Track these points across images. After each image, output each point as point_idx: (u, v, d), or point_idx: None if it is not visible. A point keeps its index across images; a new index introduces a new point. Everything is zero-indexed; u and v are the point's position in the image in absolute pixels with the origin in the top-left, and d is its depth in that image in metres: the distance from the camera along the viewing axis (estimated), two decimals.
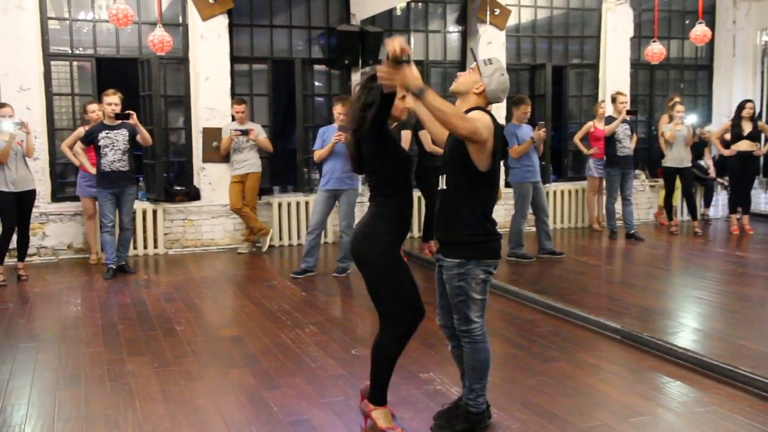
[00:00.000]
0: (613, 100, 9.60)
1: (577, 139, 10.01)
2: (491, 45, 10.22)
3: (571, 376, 4.60)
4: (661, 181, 10.47)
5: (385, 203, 3.65)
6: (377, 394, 3.66)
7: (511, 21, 10.44)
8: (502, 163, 9.27)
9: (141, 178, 9.07)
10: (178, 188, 9.27)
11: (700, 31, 9.41)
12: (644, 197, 11.28)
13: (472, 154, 3.43)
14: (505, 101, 9.65)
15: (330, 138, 7.35)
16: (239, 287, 7.35)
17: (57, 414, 4.12)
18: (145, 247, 9.02)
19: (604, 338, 5.39)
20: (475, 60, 3.63)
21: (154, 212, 9.01)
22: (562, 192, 10.74)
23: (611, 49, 11.03)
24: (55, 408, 4.21)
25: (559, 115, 11.14)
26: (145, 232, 9.00)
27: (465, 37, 10.52)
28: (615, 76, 10.99)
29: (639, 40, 11.24)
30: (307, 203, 9.49)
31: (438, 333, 5.47)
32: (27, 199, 7.40)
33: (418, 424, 3.85)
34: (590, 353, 5.09)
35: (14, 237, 7.45)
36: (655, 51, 9.76)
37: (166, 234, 9.13)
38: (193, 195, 9.24)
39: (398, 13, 10.24)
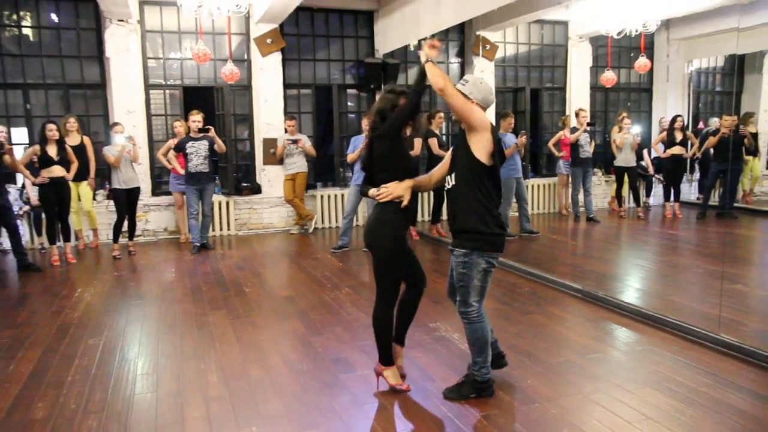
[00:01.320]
0: (576, 114, 9.62)
1: (551, 144, 10.01)
2: (483, 72, 10.22)
3: (543, 325, 4.71)
4: (613, 177, 10.45)
5: (392, 200, 3.37)
6: (384, 356, 3.52)
7: (499, 54, 10.44)
8: None
9: (217, 177, 9.18)
10: (245, 184, 9.37)
11: (642, 62, 9.43)
12: (600, 189, 11.22)
13: (473, 147, 3.25)
14: (494, 116, 9.91)
15: (359, 145, 7.41)
16: (291, 259, 7.47)
17: (160, 351, 4.29)
18: (221, 229, 9.15)
19: (569, 296, 5.48)
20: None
21: (227, 203, 9.13)
22: (538, 185, 10.75)
23: (575, 76, 11.03)
24: (159, 348, 4.38)
25: (536, 126, 11.15)
26: (220, 218, 9.12)
27: (463, 67, 10.54)
28: (578, 96, 10.99)
29: (596, 68, 11.20)
30: (342, 195, 9.57)
31: (443, 292, 5.63)
32: (134, 194, 7.55)
33: (427, 362, 3.97)
34: (558, 308, 5.18)
35: (125, 222, 7.65)
36: (609, 77, 9.76)
37: (236, 219, 9.26)
38: (256, 189, 9.36)
39: (411, 48, 10.27)
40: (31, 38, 8.63)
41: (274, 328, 4.75)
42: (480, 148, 3.27)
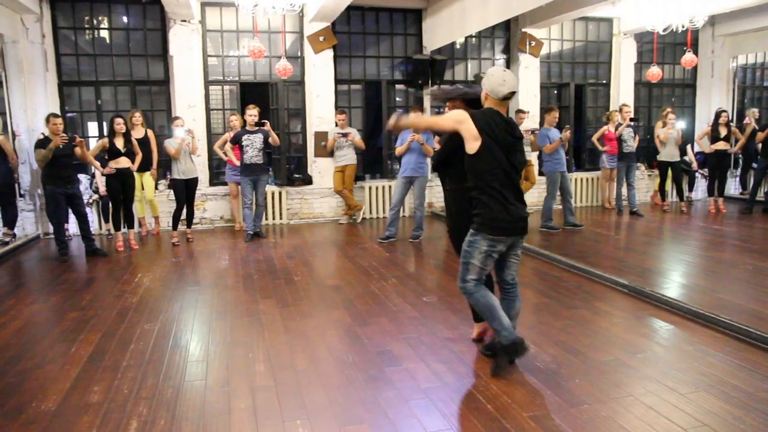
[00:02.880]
0: (620, 110, 9.18)
1: (594, 138, 9.58)
2: (527, 69, 9.87)
3: (590, 321, 4.38)
4: (656, 171, 9.98)
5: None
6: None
7: (543, 50, 10.03)
8: (536, 156, 9.20)
9: (271, 169, 9.07)
10: (297, 176, 9.24)
11: (689, 58, 8.97)
12: (643, 183, 10.72)
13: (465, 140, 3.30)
14: (538, 112, 9.51)
15: (407, 138, 7.20)
16: (340, 249, 7.28)
17: (210, 338, 4.16)
18: (273, 218, 9.06)
19: (614, 291, 5.12)
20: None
21: (280, 193, 9.03)
22: (581, 179, 10.36)
23: (619, 72, 10.53)
24: (210, 334, 4.24)
25: (580, 122, 10.70)
26: (273, 207, 9.03)
27: (509, 63, 10.14)
28: (622, 91, 10.50)
29: (641, 64, 10.67)
30: (389, 186, 9.36)
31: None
32: (192, 184, 7.50)
33: (472, 356, 3.71)
34: (604, 303, 4.83)
35: (184, 211, 7.60)
36: (654, 72, 9.23)
37: (288, 209, 9.15)
38: (308, 180, 9.21)
39: (458, 46, 9.96)
40: (104, 39, 8.67)
41: (321, 318, 4.55)
42: (467, 140, 3.30)
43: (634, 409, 3.00)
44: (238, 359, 3.75)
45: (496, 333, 3.40)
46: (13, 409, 3.12)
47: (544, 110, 8.09)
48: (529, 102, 9.85)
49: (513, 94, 3.32)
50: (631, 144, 9.02)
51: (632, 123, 9.01)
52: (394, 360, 3.67)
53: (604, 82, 10.71)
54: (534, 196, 9.85)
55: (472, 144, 3.26)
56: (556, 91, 10.50)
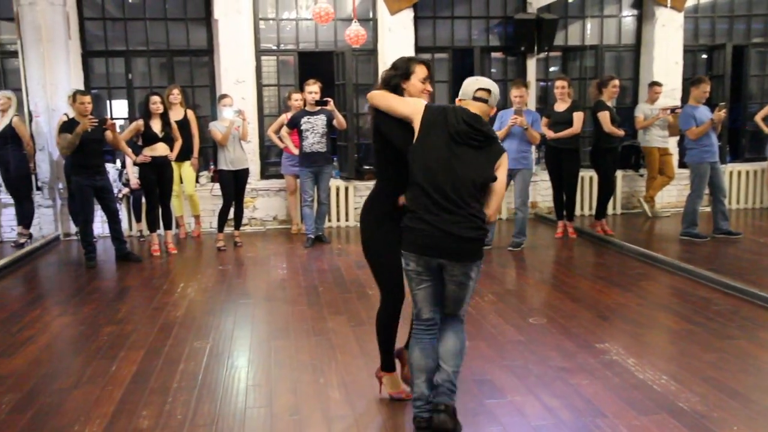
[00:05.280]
0: None
1: (758, 118, 9.31)
2: (665, 27, 9.73)
3: (752, 355, 4.39)
4: None
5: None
6: (384, 361, 3.78)
7: (690, 2, 9.87)
8: (675, 142, 9.07)
9: (336, 159, 9.32)
10: (367, 167, 9.42)
11: None
12: None
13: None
14: (680, 84, 9.39)
15: (507, 121, 7.29)
16: None
17: (273, 360, 4.45)
18: (338, 219, 9.32)
19: None
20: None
21: (346, 189, 9.27)
22: (739, 172, 10.13)
23: None
24: (271, 355, 4.54)
25: (739, 96, 10.47)
26: (338, 206, 9.28)
27: (640, 20, 10.05)
28: None
29: None
30: None
31: (612, 306, 5.45)
32: (242, 176, 7.86)
33: (594, 392, 3.83)
34: None
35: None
36: None
37: (356, 208, 9.30)
38: None
39: (571, 0, 9.97)
40: (135, 1, 9.21)
41: (402, 339, 4.72)
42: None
43: None
44: (307, 385, 4.01)
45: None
46: None
47: (690, 82, 8.01)
48: (668, 71, 9.71)
49: (488, 92, 3.38)
50: None
51: None
52: (497, 391, 3.85)
53: None
54: (673, 194, 9.74)
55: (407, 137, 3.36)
56: (706, 56, 10.31)
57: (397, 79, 3.49)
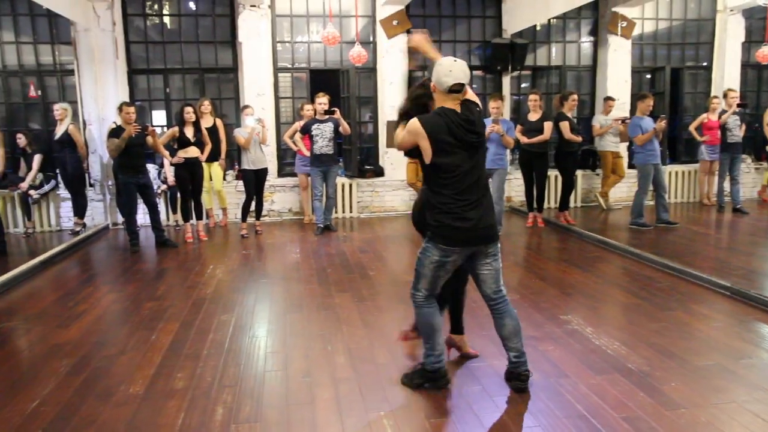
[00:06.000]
0: (725, 95, 8.96)
1: (692, 128, 9.36)
2: (616, 51, 9.75)
3: (687, 324, 4.40)
4: (765, 164, 9.66)
5: None
6: (453, 326, 3.88)
7: (636, 31, 9.88)
8: (625, 147, 9.10)
9: (341, 160, 9.34)
10: (368, 167, 9.46)
11: None
12: (750, 177, 10.39)
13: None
14: (629, 99, 9.41)
15: (486, 128, 7.29)
16: (414, 243, 7.40)
17: (288, 331, 4.44)
18: (344, 211, 9.33)
19: (714, 294, 5.08)
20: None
21: (351, 185, 9.28)
22: (677, 172, 10.15)
23: (724, 53, 10.22)
24: (287, 327, 4.52)
25: (676, 109, 10.49)
26: (343, 200, 9.29)
27: (596, 46, 10.05)
28: (726, 75, 10.19)
29: (749, 44, 10.31)
30: None
31: (574, 283, 5.44)
32: (262, 174, 7.86)
33: (559, 356, 3.83)
34: (703, 306, 4.81)
35: (253, 203, 7.97)
36: (766, 53, 8.89)
37: (358, 202, 9.41)
38: (379, 172, 9.44)
39: (539, 28, 9.94)
40: (170, 26, 9.19)
41: (399, 313, 4.73)
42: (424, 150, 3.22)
43: (739, 416, 3.06)
44: (317, 351, 4.01)
45: (424, 353, 3.43)
46: (104, 391, 3.48)
47: (637, 97, 8.04)
48: (619, 88, 9.75)
49: (461, 86, 3.15)
50: (737, 133, 8.78)
51: (738, 110, 8.77)
52: (478, 356, 3.84)
53: (705, 64, 10.44)
54: (623, 190, 9.76)
55: (426, 155, 3.21)
56: (649, 76, 10.30)
57: (426, 99, 3.35)
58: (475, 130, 3.19)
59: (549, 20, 9.81)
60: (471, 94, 3.29)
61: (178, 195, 7.87)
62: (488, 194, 3.32)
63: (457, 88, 3.15)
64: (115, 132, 7.01)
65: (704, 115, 9.18)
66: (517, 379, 3.37)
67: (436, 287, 3.38)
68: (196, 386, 3.52)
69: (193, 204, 7.72)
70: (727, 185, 8.99)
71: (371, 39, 9.38)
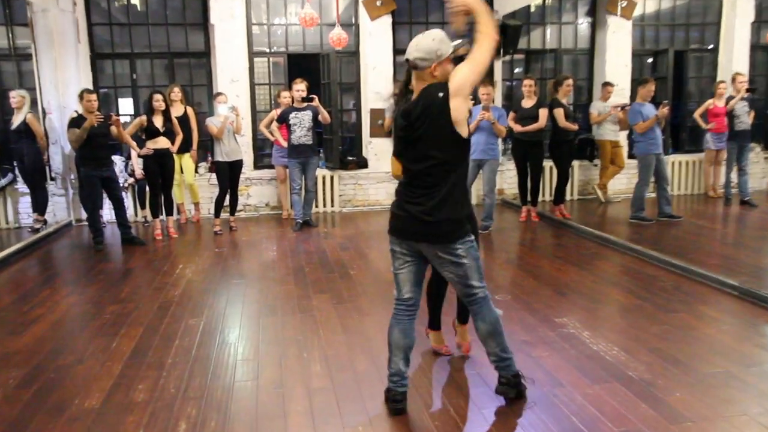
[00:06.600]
0: (733, 79, 8.93)
1: (697, 115, 9.32)
2: (615, 34, 9.68)
3: (693, 327, 4.30)
4: None
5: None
6: (432, 320, 3.97)
7: (637, 11, 9.80)
8: (625, 135, 9.07)
9: (322, 150, 9.23)
10: (351, 158, 9.37)
11: None
12: (759, 168, 10.36)
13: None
14: (629, 84, 9.34)
15: (476, 116, 7.19)
16: None
17: (261, 336, 4.32)
18: (324, 205, 9.23)
19: (722, 294, 4.99)
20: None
21: (332, 178, 9.18)
22: (680, 162, 10.11)
23: (731, 34, 10.14)
24: (259, 332, 4.41)
25: (679, 95, 10.44)
26: (324, 193, 9.19)
27: (594, 27, 9.97)
28: (734, 58, 10.12)
29: (759, 24, 10.25)
30: None
31: (570, 283, 5.35)
32: (236, 167, 7.75)
33: (554, 364, 3.73)
34: (710, 307, 4.73)
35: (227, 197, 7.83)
36: None
37: (340, 195, 9.30)
38: (362, 164, 9.34)
39: (533, 8, 9.84)
40: (139, 7, 9.01)
41: (381, 316, 4.61)
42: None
43: (750, 430, 2.96)
44: (292, 359, 3.88)
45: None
46: (55, 406, 3.34)
47: (637, 82, 7.97)
48: (618, 73, 9.68)
49: (418, 60, 2.88)
50: (746, 120, 8.73)
51: (746, 95, 8.70)
52: (465, 363, 3.73)
53: (711, 47, 10.40)
54: (623, 182, 9.70)
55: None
56: (651, 60, 10.27)
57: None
58: (406, 123, 2.97)
59: (543, 0, 9.72)
60: (454, 75, 2.90)
61: (147, 189, 7.72)
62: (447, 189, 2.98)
63: (412, 64, 2.91)
64: (76, 121, 6.87)
65: (710, 101, 9.14)
66: (499, 383, 3.24)
67: (399, 288, 3.19)
68: (158, 398, 3.38)
69: (163, 199, 7.60)
70: (734, 176, 8.97)
71: (353, 21, 9.24)
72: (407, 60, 2.93)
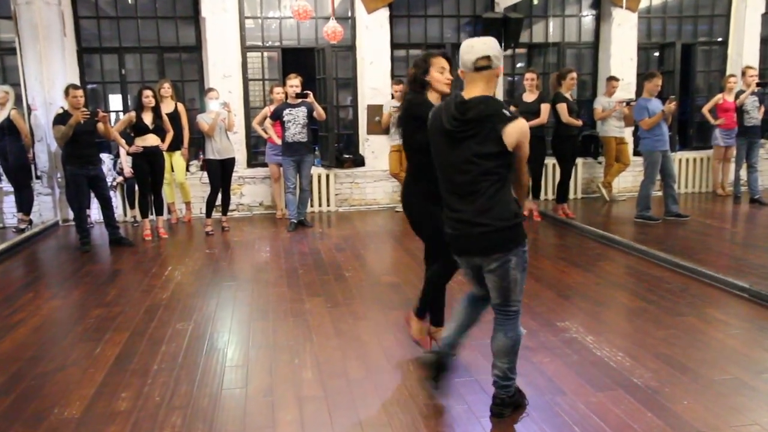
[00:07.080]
0: (743, 73, 8.86)
1: (705, 110, 9.28)
2: (621, 26, 9.63)
3: (701, 331, 4.24)
4: None
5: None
6: (420, 308, 3.96)
7: (643, 3, 9.74)
8: (630, 132, 9.00)
9: (317, 148, 9.18)
10: (347, 156, 9.30)
11: None
12: None
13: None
14: (635, 79, 9.28)
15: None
16: (397, 240, 7.29)
17: (251, 341, 4.26)
18: (320, 205, 9.18)
19: (731, 296, 4.94)
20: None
21: (327, 176, 9.13)
22: (688, 159, 10.06)
23: (743, 26, 10.07)
24: (250, 337, 4.35)
25: (687, 89, 10.39)
26: (319, 192, 9.14)
27: (599, 20, 9.92)
28: (744, 51, 10.06)
29: None
30: None
31: (573, 285, 5.30)
32: (229, 165, 7.68)
33: (555, 370, 3.67)
34: (718, 310, 4.67)
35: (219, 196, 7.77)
36: None
37: (336, 194, 9.25)
38: (359, 162, 9.28)
39: (536, 1, 9.79)
40: (127, 0, 8.94)
41: (377, 320, 4.59)
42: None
43: None
44: (283, 365, 3.82)
45: None
46: (34, 415, 3.27)
47: (643, 77, 7.89)
48: (623, 67, 9.62)
49: (487, 59, 2.92)
50: (756, 116, 8.68)
51: (758, 89, 8.64)
52: (463, 370, 3.66)
53: (720, 39, 10.34)
54: (628, 180, 9.65)
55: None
56: (657, 53, 10.21)
57: (421, 74, 3.61)
58: (462, 117, 2.99)
59: None
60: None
61: (136, 188, 7.66)
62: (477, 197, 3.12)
63: (483, 65, 2.94)
64: (62, 118, 6.82)
65: (719, 96, 9.08)
66: (494, 403, 3.17)
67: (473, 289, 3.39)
68: (142, 407, 3.32)
69: (152, 198, 7.56)
70: (743, 173, 8.92)
71: (349, 14, 9.19)
72: (485, 57, 2.91)
